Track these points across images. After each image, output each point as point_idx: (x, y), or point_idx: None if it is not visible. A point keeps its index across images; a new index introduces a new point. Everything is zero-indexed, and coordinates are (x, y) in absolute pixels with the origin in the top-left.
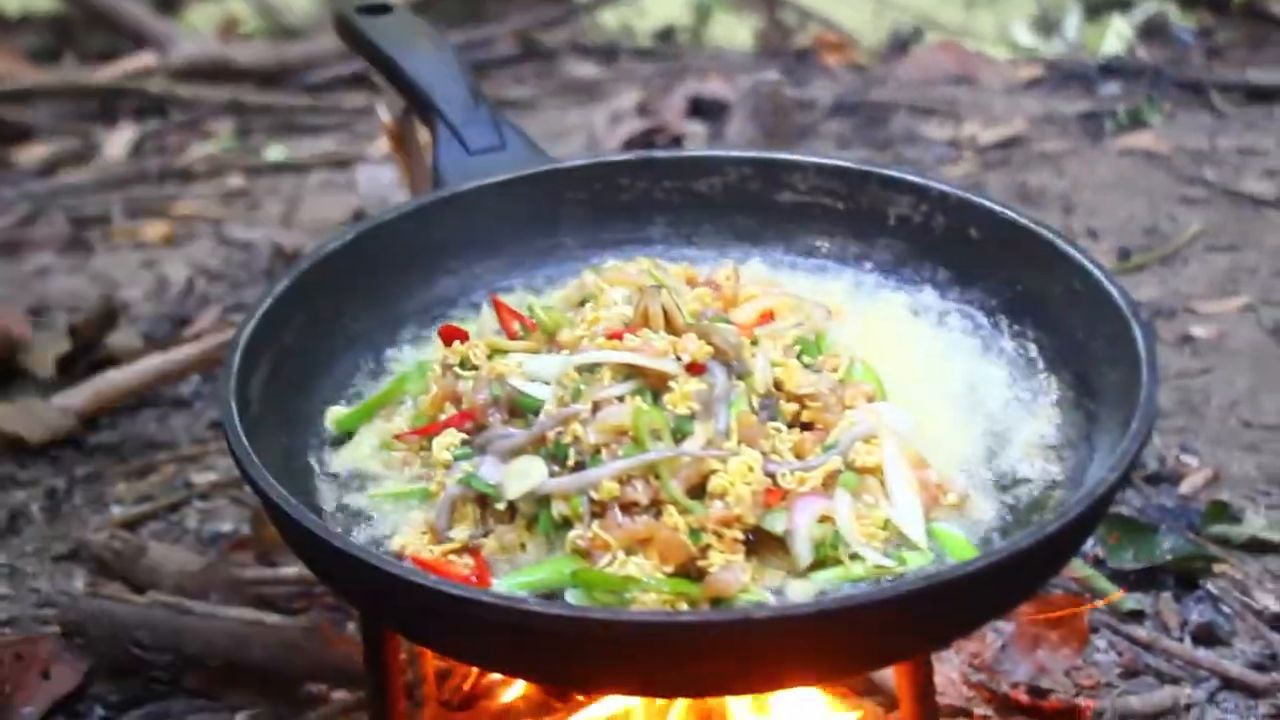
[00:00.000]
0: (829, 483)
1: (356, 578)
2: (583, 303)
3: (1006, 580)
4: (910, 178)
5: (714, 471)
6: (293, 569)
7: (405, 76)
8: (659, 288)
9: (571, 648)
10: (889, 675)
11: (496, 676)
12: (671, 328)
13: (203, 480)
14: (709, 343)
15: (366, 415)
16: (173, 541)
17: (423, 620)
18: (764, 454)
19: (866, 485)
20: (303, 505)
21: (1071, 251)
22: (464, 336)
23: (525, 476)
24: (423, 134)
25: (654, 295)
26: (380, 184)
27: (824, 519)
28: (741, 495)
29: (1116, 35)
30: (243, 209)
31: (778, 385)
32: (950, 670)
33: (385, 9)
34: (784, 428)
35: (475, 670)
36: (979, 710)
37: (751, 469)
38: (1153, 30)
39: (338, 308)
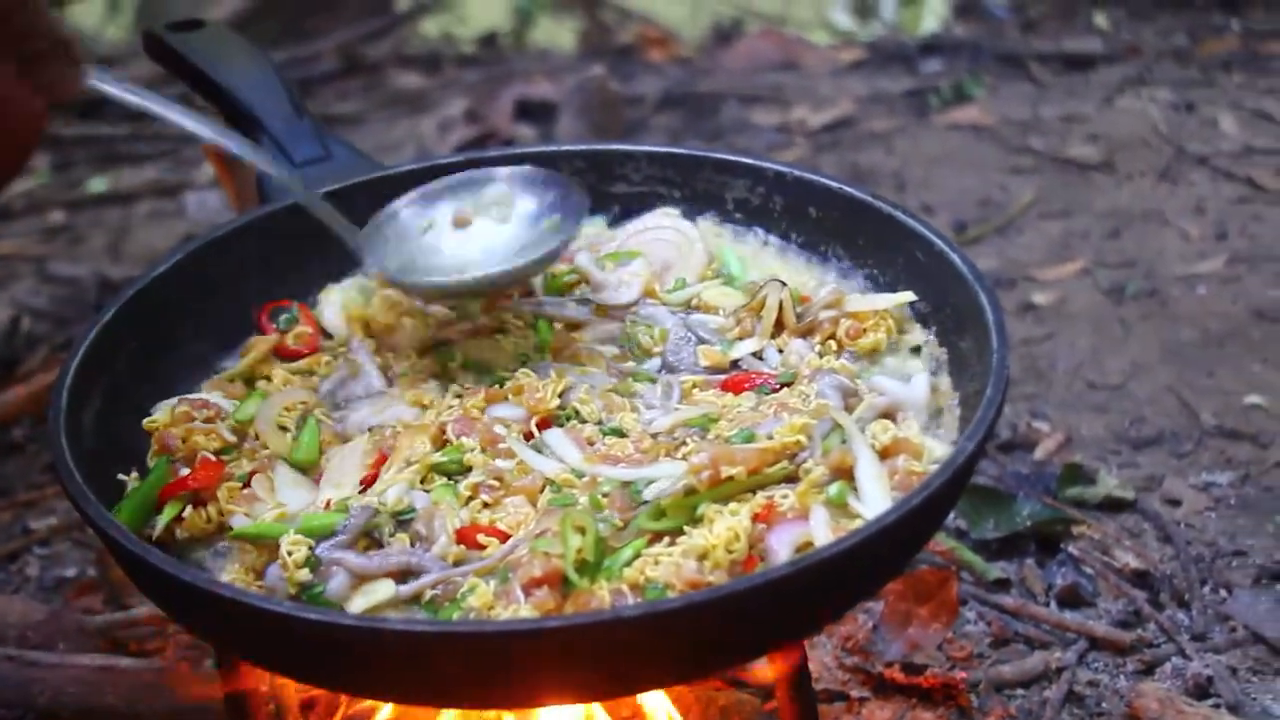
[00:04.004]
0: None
1: (206, 610)
2: None
3: (871, 560)
4: (744, 160)
5: (699, 518)
6: (144, 609)
7: (223, 92)
8: (783, 284)
9: (435, 663)
10: (763, 664)
11: (366, 704)
12: (780, 324)
13: (42, 525)
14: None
15: None
16: (13, 591)
17: (279, 649)
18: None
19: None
20: (144, 541)
21: (912, 223)
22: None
23: (373, 594)
24: None
25: (775, 288)
26: (210, 209)
27: (803, 546)
28: (720, 562)
29: (932, 13)
30: (66, 244)
31: None
32: (824, 655)
33: (197, 24)
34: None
35: (345, 699)
36: (856, 693)
37: (739, 537)
38: (967, 6)
39: (171, 332)
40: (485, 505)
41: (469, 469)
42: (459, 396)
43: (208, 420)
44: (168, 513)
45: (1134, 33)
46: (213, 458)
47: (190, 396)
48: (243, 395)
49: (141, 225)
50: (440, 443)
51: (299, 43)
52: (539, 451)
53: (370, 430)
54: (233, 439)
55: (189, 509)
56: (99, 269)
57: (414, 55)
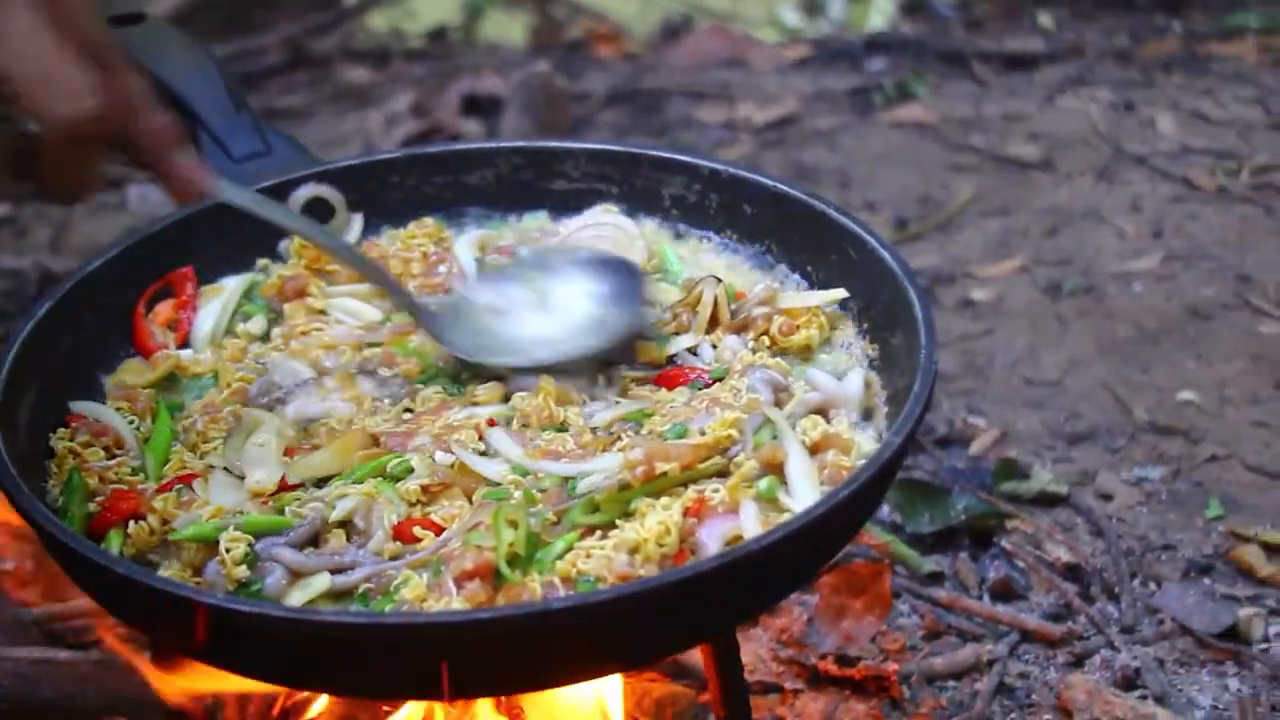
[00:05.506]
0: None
1: (141, 604)
2: None
3: (800, 552)
4: (681, 157)
5: (632, 512)
6: (82, 601)
7: (162, 87)
8: (718, 280)
9: (365, 655)
10: (697, 656)
11: (303, 696)
12: (715, 320)
13: None
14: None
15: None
16: None
17: (213, 642)
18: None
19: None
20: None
21: (844, 220)
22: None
23: (310, 588)
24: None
25: (710, 284)
26: (151, 202)
27: (733, 539)
28: (651, 556)
29: (879, 12)
30: (8, 237)
31: None
32: (759, 647)
33: (137, 18)
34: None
35: (283, 692)
36: (790, 684)
37: (670, 531)
38: (914, 5)
39: (106, 326)
40: (421, 500)
41: (410, 470)
42: (409, 411)
43: (107, 449)
44: (114, 540)
45: (1077, 33)
46: (124, 487)
47: (87, 419)
48: (150, 400)
49: (83, 217)
50: (376, 441)
51: (245, 36)
52: (483, 451)
53: (307, 428)
54: (139, 462)
55: (132, 524)
56: (41, 261)
57: (361, 49)
